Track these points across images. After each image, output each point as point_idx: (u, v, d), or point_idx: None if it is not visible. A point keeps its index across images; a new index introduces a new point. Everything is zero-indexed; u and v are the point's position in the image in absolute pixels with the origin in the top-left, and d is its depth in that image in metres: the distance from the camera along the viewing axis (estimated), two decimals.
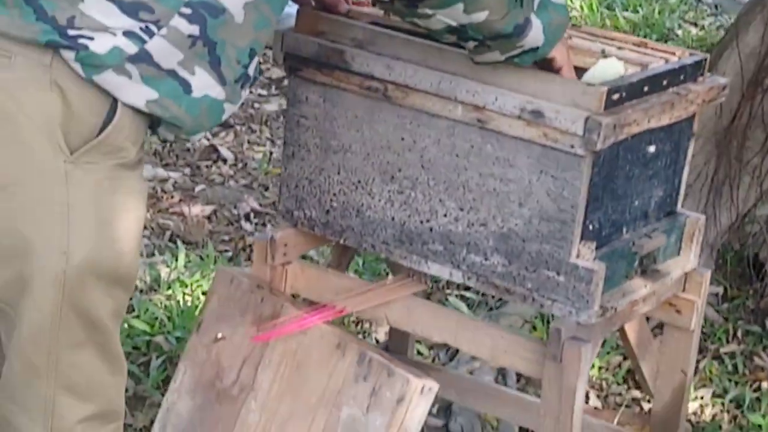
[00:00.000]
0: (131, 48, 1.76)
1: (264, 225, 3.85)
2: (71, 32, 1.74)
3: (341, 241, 2.28)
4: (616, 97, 2.00)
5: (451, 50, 2.06)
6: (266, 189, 4.09)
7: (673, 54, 2.22)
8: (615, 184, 2.10)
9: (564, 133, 1.99)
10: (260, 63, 1.93)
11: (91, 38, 1.74)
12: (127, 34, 1.75)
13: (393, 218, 2.20)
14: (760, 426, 3.07)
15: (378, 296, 2.28)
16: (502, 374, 3.13)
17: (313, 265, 2.60)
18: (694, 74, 2.20)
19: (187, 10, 1.77)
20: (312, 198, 2.27)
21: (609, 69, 2.09)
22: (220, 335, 2.32)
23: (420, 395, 2.13)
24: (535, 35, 1.98)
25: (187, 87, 1.81)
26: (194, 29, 1.78)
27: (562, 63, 2.05)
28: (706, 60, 2.23)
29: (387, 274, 3.37)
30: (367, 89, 2.15)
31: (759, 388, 3.26)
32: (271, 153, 4.34)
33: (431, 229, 2.17)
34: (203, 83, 1.83)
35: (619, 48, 2.23)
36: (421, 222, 2.17)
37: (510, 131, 2.04)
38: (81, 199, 1.78)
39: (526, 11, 1.96)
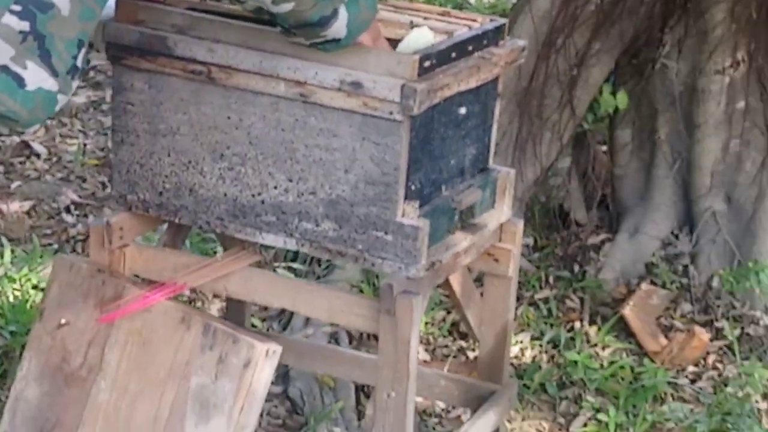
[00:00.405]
0: None
1: (86, 216, 3.87)
2: None
3: (176, 221, 2.36)
4: (427, 64, 2.14)
5: (269, 30, 2.16)
6: (84, 180, 4.10)
7: (475, 21, 2.37)
8: (432, 145, 2.25)
9: (382, 101, 2.12)
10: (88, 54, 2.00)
11: None
12: None
13: (225, 194, 2.29)
14: (575, 362, 3.29)
15: (216, 270, 2.37)
16: (335, 338, 3.25)
17: (150, 245, 2.67)
18: (496, 39, 2.36)
19: (17, 7, 1.83)
20: (144, 181, 2.34)
21: (420, 38, 2.23)
22: (63, 321, 2.37)
23: (265, 358, 2.23)
24: (338, 27, 2.08)
25: (20, 81, 1.87)
26: (25, 25, 1.84)
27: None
28: (505, 25, 2.39)
29: (215, 253, 3.45)
30: (191, 73, 2.24)
31: (572, 329, 3.48)
32: (85, 145, 4.35)
33: (263, 202, 2.27)
34: (36, 77, 1.88)
35: (425, 18, 2.37)
36: (253, 195, 2.27)
37: (332, 103, 2.16)
38: None
39: (336, 2, 2.06)
